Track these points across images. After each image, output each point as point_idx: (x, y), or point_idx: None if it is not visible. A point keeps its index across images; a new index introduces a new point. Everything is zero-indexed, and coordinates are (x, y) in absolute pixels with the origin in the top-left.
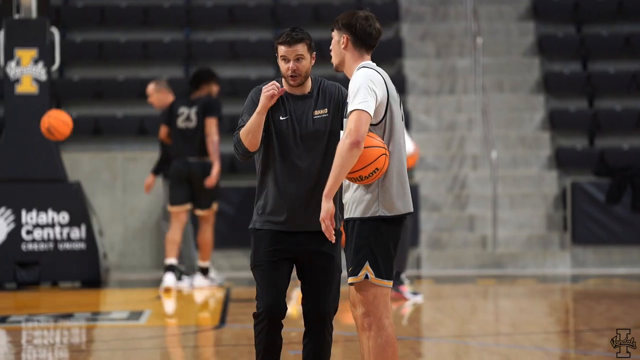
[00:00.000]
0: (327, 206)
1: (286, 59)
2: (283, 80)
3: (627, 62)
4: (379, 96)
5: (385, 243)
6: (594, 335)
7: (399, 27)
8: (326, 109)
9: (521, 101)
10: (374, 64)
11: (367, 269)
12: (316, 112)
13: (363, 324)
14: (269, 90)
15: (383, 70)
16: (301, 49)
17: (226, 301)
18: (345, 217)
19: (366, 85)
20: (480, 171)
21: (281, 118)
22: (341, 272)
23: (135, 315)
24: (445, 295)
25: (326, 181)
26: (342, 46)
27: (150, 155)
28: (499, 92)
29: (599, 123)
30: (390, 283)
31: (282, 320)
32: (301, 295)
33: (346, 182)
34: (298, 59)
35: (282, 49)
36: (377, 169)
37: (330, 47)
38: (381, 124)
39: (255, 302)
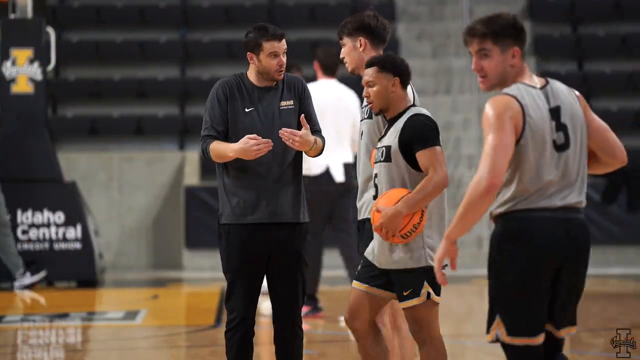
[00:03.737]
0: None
1: (276, 54)
2: (254, 74)
3: (623, 62)
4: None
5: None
6: (590, 335)
7: (395, 27)
8: (292, 101)
9: None
10: None
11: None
12: (282, 103)
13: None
14: (259, 148)
15: None
16: (285, 43)
17: (222, 301)
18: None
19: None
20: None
21: (246, 110)
22: (308, 266)
23: (131, 315)
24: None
25: (293, 170)
26: (361, 49)
27: (147, 155)
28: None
29: None
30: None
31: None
32: (269, 292)
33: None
34: (284, 53)
35: (273, 45)
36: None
37: (343, 55)
38: None
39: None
